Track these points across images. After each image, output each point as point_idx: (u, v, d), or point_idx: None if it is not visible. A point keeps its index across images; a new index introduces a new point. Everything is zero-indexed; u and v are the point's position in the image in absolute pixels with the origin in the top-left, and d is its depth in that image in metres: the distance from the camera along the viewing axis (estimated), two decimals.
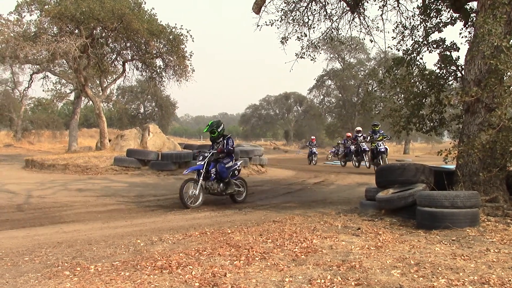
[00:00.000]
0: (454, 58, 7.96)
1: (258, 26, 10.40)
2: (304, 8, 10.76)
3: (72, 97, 30.62)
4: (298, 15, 10.74)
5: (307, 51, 10.88)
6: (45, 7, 18.06)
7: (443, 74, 8.15)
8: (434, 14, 8.62)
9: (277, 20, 10.45)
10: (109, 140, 21.08)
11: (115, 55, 22.53)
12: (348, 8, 10.77)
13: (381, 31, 10.86)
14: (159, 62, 21.78)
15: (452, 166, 7.57)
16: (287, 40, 10.65)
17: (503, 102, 6.05)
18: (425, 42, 8.60)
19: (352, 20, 11.05)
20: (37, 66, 24.97)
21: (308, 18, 10.85)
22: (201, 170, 9.18)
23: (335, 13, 11.00)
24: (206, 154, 9.38)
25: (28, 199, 10.22)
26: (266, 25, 10.37)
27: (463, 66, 7.48)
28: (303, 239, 5.17)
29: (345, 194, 11.18)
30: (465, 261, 4.18)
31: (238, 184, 9.98)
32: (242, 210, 8.57)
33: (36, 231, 6.68)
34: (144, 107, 54.21)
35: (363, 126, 44.50)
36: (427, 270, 3.90)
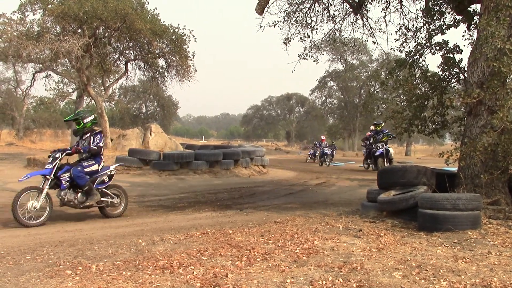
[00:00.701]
0: (457, 60, 7.96)
1: (261, 27, 10.41)
2: (307, 9, 10.76)
3: (74, 96, 30.74)
4: (301, 16, 10.74)
5: (309, 52, 10.88)
6: (48, 6, 18.05)
7: (445, 76, 8.15)
8: (438, 16, 8.62)
9: (280, 21, 10.45)
10: (111, 140, 21.08)
11: (118, 54, 22.52)
12: (351, 10, 10.77)
13: (384, 32, 10.87)
14: (161, 62, 21.77)
15: (454, 168, 7.57)
16: (290, 41, 10.65)
17: (506, 105, 6.04)
18: (428, 44, 8.60)
19: (355, 21, 11.05)
20: (40, 65, 24.96)
21: (311, 19, 10.86)
22: (48, 176, 7.54)
23: (338, 14, 11.00)
24: (57, 155, 7.79)
25: None
26: (269, 26, 10.37)
27: (466, 68, 7.48)
28: (304, 240, 5.17)
29: (347, 196, 11.18)
30: (467, 263, 4.18)
31: (109, 193, 8.25)
32: (244, 211, 8.58)
33: (38, 230, 6.70)
34: (146, 107, 54.32)
35: (365, 128, 44.48)
36: (428, 272, 3.89)
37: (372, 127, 19.61)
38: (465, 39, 8.31)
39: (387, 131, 15.38)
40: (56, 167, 7.68)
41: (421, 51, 8.67)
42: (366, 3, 10.49)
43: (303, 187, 13.61)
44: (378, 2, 10.36)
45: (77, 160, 8.20)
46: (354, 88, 49.98)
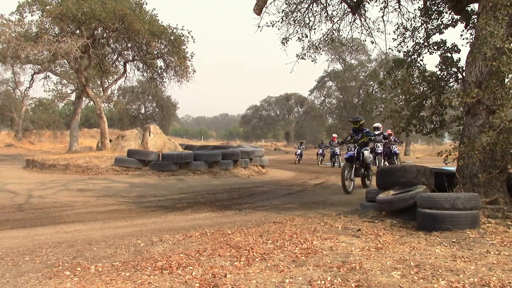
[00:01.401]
0: (455, 60, 7.97)
1: (259, 27, 10.41)
2: (305, 9, 10.77)
3: (73, 97, 30.65)
4: (299, 16, 10.75)
5: (308, 52, 10.90)
6: (47, 7, 18.06)
7: (444, 76, 8.16)
8: (435, 15, 8.63)
9: (278, 21, 10.46)
10: (110, 141, 21.09)
11: (116, 55, 22.55)
12: (349, 10, 10.78)
13: (382, 32, 10.89)
14: (160, 62, 21.79)
15: (452, 168, 7.57)
16: (288, 41, 10.65)
17: (505, 104, 6.05)
18: (426, 43, 8.61)
19: (353, 21, 11.07)
20: (38, 66, 24.98)
21: (309, 19, 10.87)
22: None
23: (336, 14, 11.02)
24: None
25: (28, 199, 10.23)
26: (267, 26, 10.38)
27: (464, 68, 7.48)
28: (303, 240, 5.17)
29: (346, 196, 11.17)
30: (465, 263, 4.18)
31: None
32: (243, 211, 8.57)
33: (37, 231, 6.70)
34: (145, 108, 54.34)
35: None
36: (427, 271, 3.90)
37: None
38: (463, 39, 8.30)
39: (367, 130, 12.34)
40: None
41: (419, 51, 8.68)
42: (364, 3, 10.50)
43: (302, 187, 13.62)
44: (376, 2, 10.38)
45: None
46: (352, 88, 49.98)
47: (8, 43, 18.38)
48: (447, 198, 5.64)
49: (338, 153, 23.12)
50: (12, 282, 3.85)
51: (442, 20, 8.61)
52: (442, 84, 8.15)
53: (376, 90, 42.14)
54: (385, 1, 10.37)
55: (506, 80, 6.45)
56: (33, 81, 27.43)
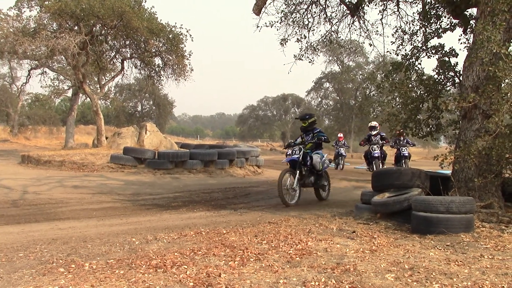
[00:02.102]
0: (453, 64, 7.99)
1: (258, 27, 10.41)
2: (304, 10, 10.78)
3: (69, 93, 30.58)
4: (298, 17, 10.76)
5: (305, 53, 10.90)
6: (45, 3, 18.02)
7: (441, 80, 8.18)
8: (434, 19, 8.65)
9: (277, 22, 10.47)
10: (106, 138, 21.06)
11: (114, 52, 22.51)
12: (348, 12, 10.79)
13: (380, 35, 10.90)
14: (158, 60, 21.79)
15: (448, 171, 7.60)
16: (287, 41, 10.66)
17: (501, 109, 6.07)
18: (424, 47, 8.62)
19: (352, 23, 11.08)
20: (36, 62, 24.92)
21: (308, 20, 10.87)
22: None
23: (335, 16, 11.03)
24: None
25: (23, 195, 10.20)
26: (266, 26, 10.38)
27: (461, 72, 7.51)
28: (298, 241, 5.18)
29: (341, 197, 11.19)
30: (459, 266, 4.20)
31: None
32: (238, 211, 8.58)
33: (31, 227, 6.68)
34: (141, 106, 54.19)
35: (360, 129, 44.57)
36: (421, 274, 3.91)
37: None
38: (461, 43, 8.33)
39: (319, 130, 10.34)
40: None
41: (417, 54, 8.70)
42: (363, 5, 10.52)
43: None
44: (376, 5, 10.39)
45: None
46: (350, 90, 50.03)
47: (6, 38, 18.34)
48: (442, 202, 5.66)
49: (344, 154, 21.45)
50: (6, 278, 3.84)
51: (440, 24, 8.62)
52: (439, 88, 8.17)
53: (373, 93, 42.21)
54: (384, 4, 10.40)
55: (503, 85, 6.48)
56: (30, 77, 27.35)
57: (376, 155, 16.05)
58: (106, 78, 24.46)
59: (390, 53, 9.80)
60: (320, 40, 11.42)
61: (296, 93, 65.97)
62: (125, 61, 22.41)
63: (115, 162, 15.41)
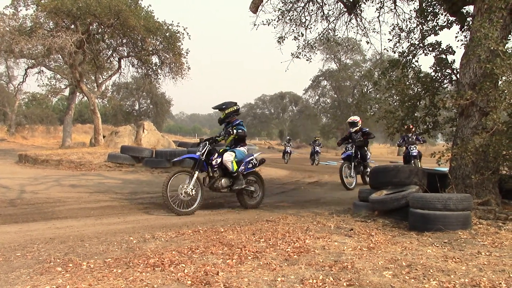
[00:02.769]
0: (450, 61, 8.00)
1: (255, 25, 10.41)
2: (301, 8, 10.78)
3: (66, 92, 30.55)
4: (295, 15, 10.76)
5: (303, 51, 10.91)
6: (42, 1, 17.97)
7: (438, 77, 8.18)
8: (431, 17, 8.65)
9: (274, 20, 10.47)
10: (103, 137, 21.04)
11: (111, 51, 22.49)
12: (345, 9, 10.80)
13: (377, 33, 10.92)
14: (155, 59, 21.79)
15: (445, 168, 7.61)
16: (284, 39, 10.66)
17: (498, 106, 6.08)
18: (421, 44, 8.62)
19: (349, 21, 11.08)
20: (32, 61, 24.87)
21: (305, 18, 10.88)
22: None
23: (332, 14, 11.04)
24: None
25: (21, 194, 10.17)
26: (263, 24, 10.39)
27: (458, 70, 7.52)
28: (295, 239, 5.18)
29: (339, 195, 11.20)
30: (457, 263, 4.20)
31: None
32: (235, 209, 8.58)
33: (29, 227, 6.66)
34: (139, 104, 54.23)
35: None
36: (418, 272, 3.91)
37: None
38: (458, 41, 8.33)
39: (239, 121, 8.94)
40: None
41: (414, 52, 8.69)
42: (360, 3, 10.52)
43: (295, 185, 13.63)
44: (372, 2, 10.41)
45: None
46: (347, 87, 50.17)
47: (2, 37, 18.30)
48: (439, 199, 5.66)
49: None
50: (3, 277, 3.83)
51: (437, 21, 8.62)
52: (436, 85, 8.17)
53: (370, 90, 42.24)
54: (381, 2, 10.40)
55: (500, 82, 6.49)
56: (27, 76, 27.32)
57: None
58: (103, 76, 24.41)
59: (387, 51, 9.81)
60: (317, 38, 11.43)
61: (293, 91, 66.09)
62: (122, 60, 22.39)
63: (112, 161, 15.40)
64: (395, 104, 8.89)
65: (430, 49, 8.40)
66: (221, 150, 8.64)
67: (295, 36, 10.77)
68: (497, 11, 6.33)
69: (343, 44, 12.72)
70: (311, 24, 10.96)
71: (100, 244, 5.13)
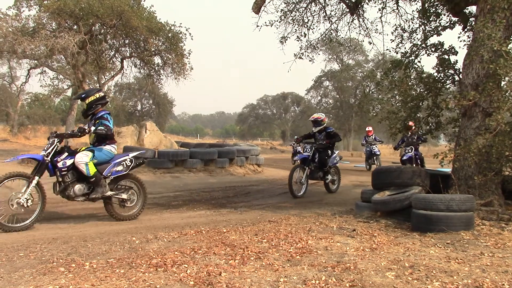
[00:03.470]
0: (452, 62, 7.99)
1: (257, 26, 10.43)
2: (303, 8, 10.78)
3: (69, 93, 30.56)
4: (298, 16, 10.77)
5: (305, 51, 10.91)
6: (44, 2, 17.99)
7: (440, 78, 8.17)
8: (433, 17, 8.64)
9: (277, 20, 10.47)
10: None
11: (114, 52, 22.49)
12: (347, 10, 10.80)
13: (380, 33, 10.92)
14: (157, 59, 21.76)
15: (448, 169, 7.60)
16: (286, 40, 10.67)
17: (501, 107, 6.07)
18: (423, 45, 8.62)
19: (351, 21, 11.09)
20: (35, 61, 24.86)
21: (307, 18, 10.88)
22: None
23: (335, 14, 11.04)
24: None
25: None
26: (266, 25, 10.40)
27: (461, 70, 7.51)
28: (298, 240, 5.18)
29: (341, 196, 11.19)
30: (459, 264, 4.20)
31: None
32: (238, 210, 8.58)
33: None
34: (141, 105, 54.24)
35: (360, 128, 44.47)
36: (421, 272, 3.91)
37: None
38: (461, 41, 8.32)
39: (104, 113, 7.39)
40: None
41: (416, 52, 8.70)
42: (362, 4, 10.52)
43: None
44: (375, 3, 10.41)
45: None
46: (349, 88, 50.11)
47: (5, 38, 18.29)
48: (442, 200, 5.66)
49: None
50: (6, 277, 3.84)
51: (440, 22, 8.62)
52: (439, 86, 8.16)
53: (373, 91, 42.21)
54: (383, 2, 10.40)
55: (503, 82, 6.48)
56: (30, 76, 27.30)
57: (303, 156, 11.05)
58: (105, 77, 24.41)
59: (390, 51, 9.81)
60: (320, 38, 11.43)
61: (295, 92, 66.03)
62: (124, 60, 22.38)
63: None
64: (397, 104, 8.88)
65: (433, 49, 8.40)
66: (82, 149, 7.09)
67: (297, 36, 10.79)
68: (500, 11, 6.32)
69: (346, 44, 12.74)
70: (314, 24, 10.98)
71: (103, 244, 5.14)
